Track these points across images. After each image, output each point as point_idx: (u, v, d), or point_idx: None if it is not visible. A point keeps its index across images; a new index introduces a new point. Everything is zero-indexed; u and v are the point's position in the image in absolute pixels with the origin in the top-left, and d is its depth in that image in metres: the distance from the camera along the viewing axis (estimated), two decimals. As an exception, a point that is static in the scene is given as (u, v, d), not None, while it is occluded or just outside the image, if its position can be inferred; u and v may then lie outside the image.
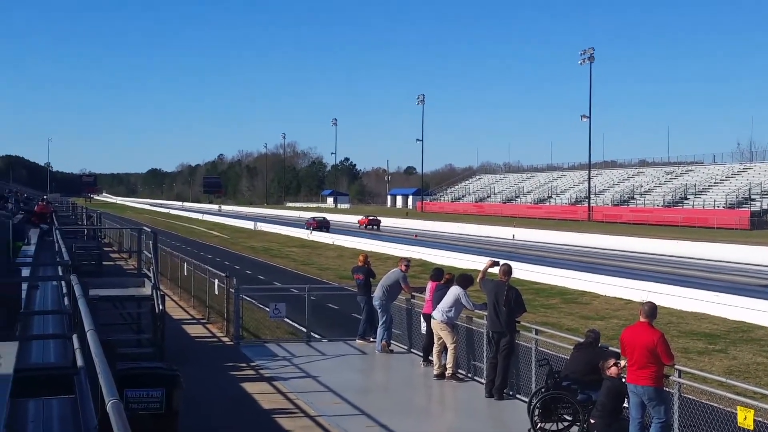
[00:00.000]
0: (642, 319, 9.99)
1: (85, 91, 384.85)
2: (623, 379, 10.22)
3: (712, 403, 9.98)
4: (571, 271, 33.51)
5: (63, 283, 11.79)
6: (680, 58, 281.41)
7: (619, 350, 10.56)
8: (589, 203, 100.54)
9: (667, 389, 9.91)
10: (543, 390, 11.65)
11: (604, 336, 15.44)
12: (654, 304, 10.38)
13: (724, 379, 10.41)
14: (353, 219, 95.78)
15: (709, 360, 17.86)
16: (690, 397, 9.99)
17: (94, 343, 5.25)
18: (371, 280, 18.29)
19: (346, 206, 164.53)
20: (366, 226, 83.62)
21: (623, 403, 10.27)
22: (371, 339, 18.01)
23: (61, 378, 7.60)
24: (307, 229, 71.07)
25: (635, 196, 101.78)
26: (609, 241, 57.74)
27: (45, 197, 48.29)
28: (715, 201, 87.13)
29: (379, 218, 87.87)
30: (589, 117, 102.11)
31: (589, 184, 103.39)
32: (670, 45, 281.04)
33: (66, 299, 10.63)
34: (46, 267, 15.11)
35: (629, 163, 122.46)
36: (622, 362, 10.28)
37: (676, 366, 10.06)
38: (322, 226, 73.91)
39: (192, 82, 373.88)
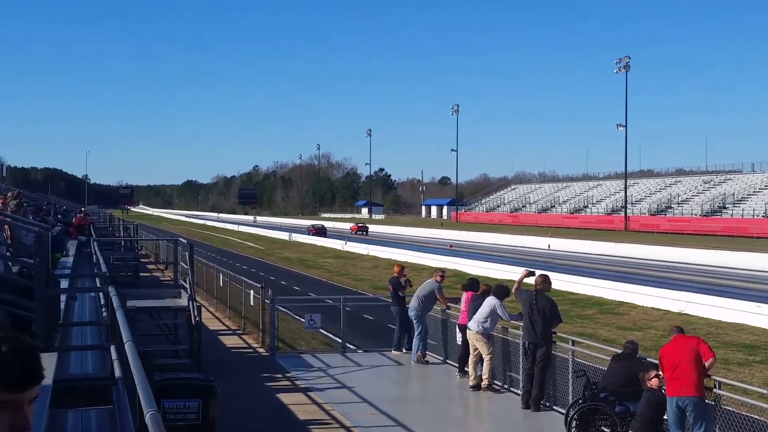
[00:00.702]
0: (675, 335, 10.26)
1: (122, 103, 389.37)
2: (663, 391, 10.13)
3: (752, 415, 9.86)
4: (608, 282, 33.23)
5: (101, 294, 11.89)
6: (717, 65, 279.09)
7: (656, 361, 10.51)
8: (625, 213, 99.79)
9: (708, 401, 9.81)
10: (580, 401, 11.57)
11: (643, 347, 15.29)
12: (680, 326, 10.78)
13: (764, 391, 10.28)
14: (385, 229, 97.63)
15: (750, 371, 17.62)
16: (730, 408, 9.86)
17: (132, 354, 5.28)
18: (404, 290, 18.23)
19: (380, 217, 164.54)
20: (356, 232, 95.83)
21: (663, 414, 10.17)
22: (404, 350, 17.99)
23: (99, 389, 7.66)
24: (309, 234, 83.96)
25: (672, 206, 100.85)
26: (646, 251, 57.22)
27: (83, 209, 48.81)
28: (754, 210, 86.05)
29: (367, 225, 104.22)
30: (625, 126, 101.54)
31: (626, 193, 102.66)
32: (707, 52, 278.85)
33: (104, 310, 10.72)
34: (84, 278, 15.24)
35: (666, 172, 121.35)
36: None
37: (715, 377, 9.97)
38: (320, 232, 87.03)
39: (227, 94, 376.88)
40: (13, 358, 1.86)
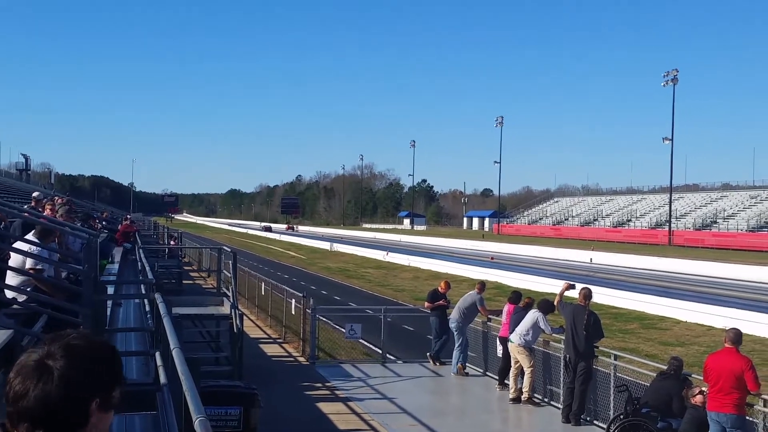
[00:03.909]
0: (728, 345, 9.86)
1: (167, 112, 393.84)
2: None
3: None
4: (651, 296, 32.90)
5: (145, 300, 12.06)
6: (766, 78, 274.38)
7: (700, 377, 10.39)
8: (669, 227, 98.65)
9: (750, 418, 9.70)
10: (622, 416, 11.49)
11: (686, 363, 15.10)
12: (739, 330, 10.21)
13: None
14: (427, 240, 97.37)
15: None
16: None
17: (180, 361, 5.35)
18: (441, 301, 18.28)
19: (422, 228, 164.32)
20: (287, 230, 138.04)
21: (707, 432, 10.07)
22: (437, 363, 17.96)
23: (143, 394, 7.76)
24: (263, 231, 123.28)
25: (718, 221, 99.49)
26: (690, 266, 56.47)
27: (128, 216, 49.39)
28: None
29: (294, 226, 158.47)
30: (672, 139, 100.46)
31: (670, 207, 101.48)
32: (755, 65, 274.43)
33: (149, 316, 10.86)
34: (129, 285, 15.46)
35: (712, 187, 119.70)
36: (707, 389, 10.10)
37: (761, 395, 9.84)
38: (267, 229, 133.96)
39: (271, 104, 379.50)
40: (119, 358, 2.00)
